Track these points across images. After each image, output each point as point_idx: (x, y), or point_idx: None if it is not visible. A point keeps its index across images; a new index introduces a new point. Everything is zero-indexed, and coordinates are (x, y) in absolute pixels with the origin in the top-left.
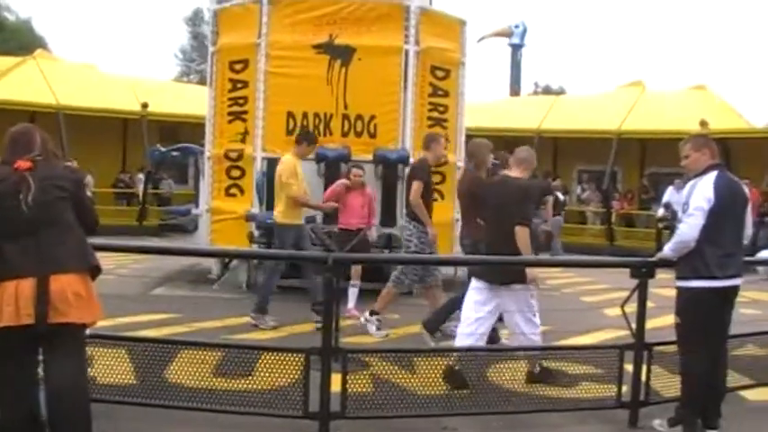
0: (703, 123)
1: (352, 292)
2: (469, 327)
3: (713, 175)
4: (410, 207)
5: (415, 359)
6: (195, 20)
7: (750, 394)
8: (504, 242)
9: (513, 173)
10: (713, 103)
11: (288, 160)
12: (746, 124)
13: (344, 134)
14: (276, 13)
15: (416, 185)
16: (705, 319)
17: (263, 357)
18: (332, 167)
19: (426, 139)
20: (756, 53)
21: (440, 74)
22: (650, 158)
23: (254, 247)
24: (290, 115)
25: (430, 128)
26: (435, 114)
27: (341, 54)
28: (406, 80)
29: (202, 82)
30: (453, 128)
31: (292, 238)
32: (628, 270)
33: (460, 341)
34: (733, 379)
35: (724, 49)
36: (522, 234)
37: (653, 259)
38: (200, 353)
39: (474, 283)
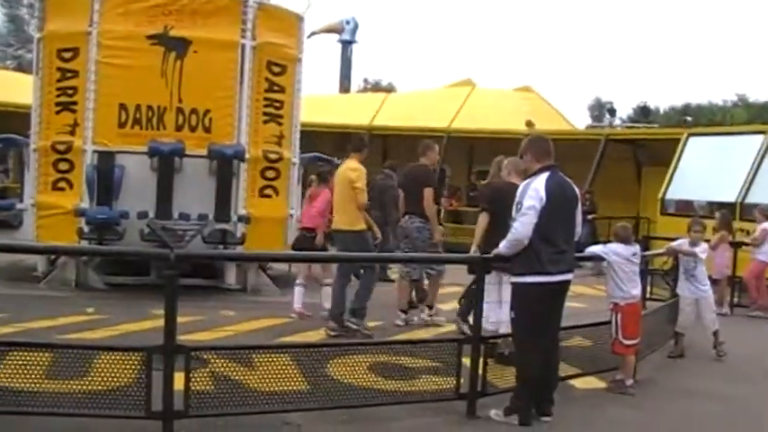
0: (529, 124)
1: (299, 291)
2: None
3: (545, 175)
4: (414, 208)
5: (257, 356)
6: (12, 2)
7: (578, 383)
8: None
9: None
10: (538, 103)
11: (358, 167)
12: (569, 125)
13: (179, 128)
14: (108, 1)
15: (429, 192)
16: (539, 312)
17: (102, 357)
18: (165, 162)
19: (422, 147)
20: (576, 56)
21: (276, 69)
22: (478, 156)
23: (84, 244)
24: (123, 107)
25: (265, 123)
26: (271, 110)
27: (176, 46)
28: (242, 75)
29: (20, 69)
30: (288, 123)
31: (369, 242)
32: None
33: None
34: (564, 369)
35: (547, 51)
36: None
37: (489, 256)
38: (32, 354)
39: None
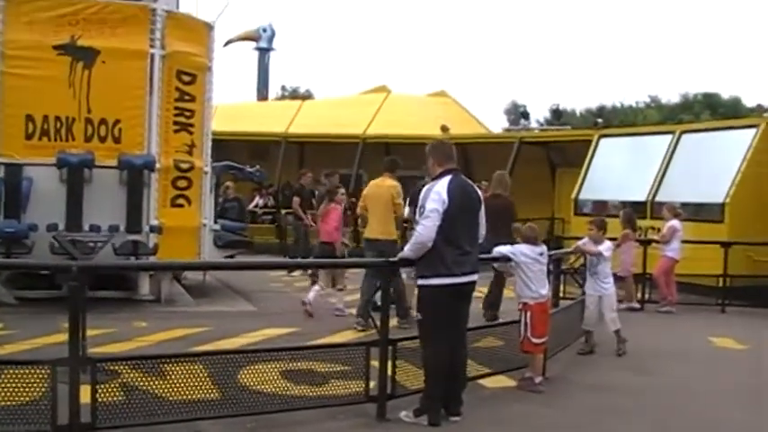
0: (444, 128)
1: (315, 290)
2: None
3: (447, 178)
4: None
5: (167, 365)
6: None
7: (488, 382)
8: None
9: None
10: (453, 108)
11: (396, 185)
12: (484, 129)
13: (88, 139)
14: (12, 10)
15: None
16: (445, 314)
17: (6, 372)
18: (75, 173)
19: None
20: (493, 61)
21: (186, 78)
22: None
23: None
24: (30, 118)
25: (176, 133)
26: (182, 119)
27: (83, 56)
28: (151, 84)
29: None
30: (200, 133)
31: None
32: None
33: None
34: (473, 369)
35: (464, 56)
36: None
37: (395, 259)
38: None
39: None
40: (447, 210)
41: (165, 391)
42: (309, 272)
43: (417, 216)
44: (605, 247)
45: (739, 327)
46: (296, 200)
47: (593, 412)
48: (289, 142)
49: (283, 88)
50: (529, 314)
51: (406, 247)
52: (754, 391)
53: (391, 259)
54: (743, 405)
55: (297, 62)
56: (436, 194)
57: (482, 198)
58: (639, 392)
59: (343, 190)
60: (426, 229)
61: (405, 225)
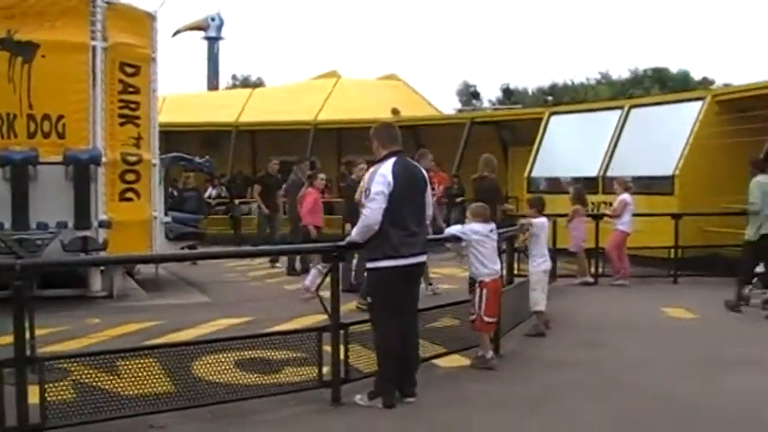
0: (395, 111)
1: (314, 273)
2: None
3: (392, 160)
4: None
5: (118, 361)
6: None
7: (442, 362)
8: None
9: None
10: (404, 91)
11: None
12: (435, 111)
13: (31, 135)
14: None
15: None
16: (395, 295)
17: None
18: (18, 171)
19: (417, 156)
20: (442, 43)
21: (130, 70)
22: (346, 147)
23: None
24: None
25: (121, 126)
26: (127, 111)
27: (22, 51)
28: (94, 77)
29: None
30: (146, 124)
31: None
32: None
33: None
34: (427, 349)
35: (412, 39)
36: None
37: (342, 243)
38: None
39: None
40: (392, 192)
41: (118, 386)
42: (269, 259)
43: (363, 199)
44: (539, 222)
45: (691, 297)
46: (257, 188)
47: (548, 387)
48: (240, 131)
49: (234, 77)
50: (485, 291)
51: (354, 231)
52: (705, 361)
53: (339, 243)
54: (694, 374)
55: (247, 50)
56: (381, 177)
57: (427, 179)
58: (594, 366)
59: (323, 175)
60: (372, 211)
61: None
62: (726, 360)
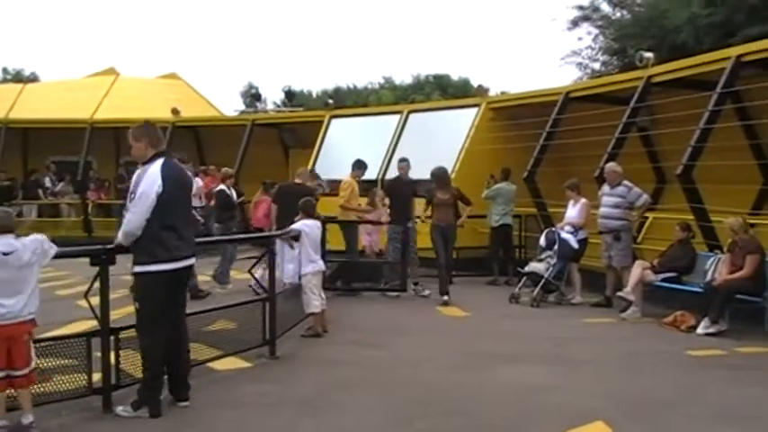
0: (175, 111)
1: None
2: None
3: (159, 162)
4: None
5: None
6: None
7: (218, 365)
8: None
9: None
10: (184, 90)
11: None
12: (217, 112)
13: None
14: None
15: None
16: (165, 300)
17: None
18: None
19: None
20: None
21: None
22: (125, 147)
23: None
24: None
25: None
26: None
27: None
28: None
29: None
30: None
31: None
32: None
33: None
34: (203, 352)
35: (196, 39)
36: None
37: (111, 246)
38: None
39: None
40: (161, 194)
41: None
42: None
43: (128, 202)
44: (304, 227)
45: (465, 296)
46: None
47: (323, 386)
48: (9, 128)
49: (5, 71)
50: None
51: (119, 234)
52: (473, 354)
53: (108, 246)
54: (461, 367)
55: (20, 43)
56: (150, 178)
57: (193, 182)
58: (368, 365)
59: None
60: (136, 215)
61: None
62: (494, 354)
